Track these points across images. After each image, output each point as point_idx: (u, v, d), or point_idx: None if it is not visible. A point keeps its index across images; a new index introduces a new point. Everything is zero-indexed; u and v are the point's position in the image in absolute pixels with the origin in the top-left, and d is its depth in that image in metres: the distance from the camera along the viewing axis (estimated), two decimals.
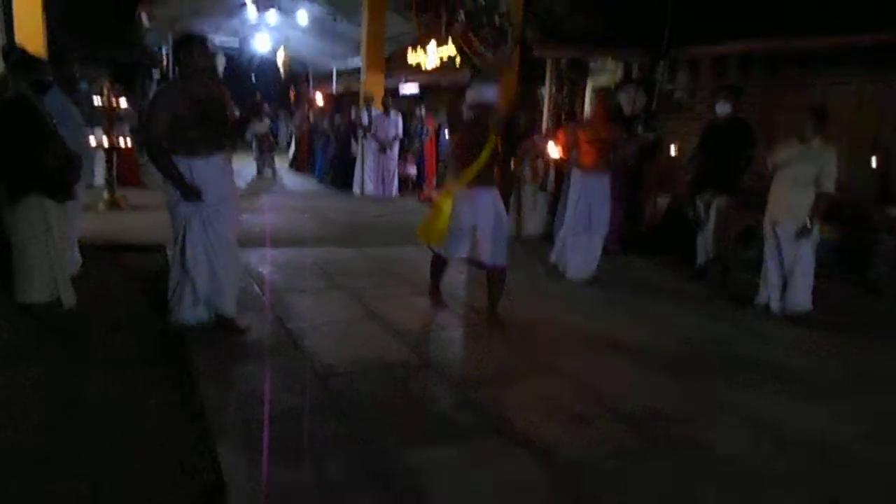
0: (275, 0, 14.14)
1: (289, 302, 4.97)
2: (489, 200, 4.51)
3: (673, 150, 8.18)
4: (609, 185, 5.98)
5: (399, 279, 5.92)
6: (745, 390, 3.79)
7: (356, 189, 11.67)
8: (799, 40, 7.35)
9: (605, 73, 11.40)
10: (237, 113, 4.32)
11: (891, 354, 4.58)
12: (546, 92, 11.24)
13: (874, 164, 6.82)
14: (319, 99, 17.51)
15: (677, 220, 7.24)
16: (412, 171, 12.23)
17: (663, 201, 8.01)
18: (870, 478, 2.93)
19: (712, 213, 6.20)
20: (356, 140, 11.81)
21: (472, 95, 4.57)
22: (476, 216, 4.47)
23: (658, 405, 3.49)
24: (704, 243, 6.31)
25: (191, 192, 3.85)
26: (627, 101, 8.62)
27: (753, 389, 3.81)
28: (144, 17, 11.70)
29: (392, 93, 13.13)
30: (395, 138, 11.44)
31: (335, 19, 15.67)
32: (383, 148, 11.37)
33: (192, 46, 3.88)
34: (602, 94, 6.31)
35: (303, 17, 15.28)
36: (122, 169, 9.30)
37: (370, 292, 5.35)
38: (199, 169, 3.88)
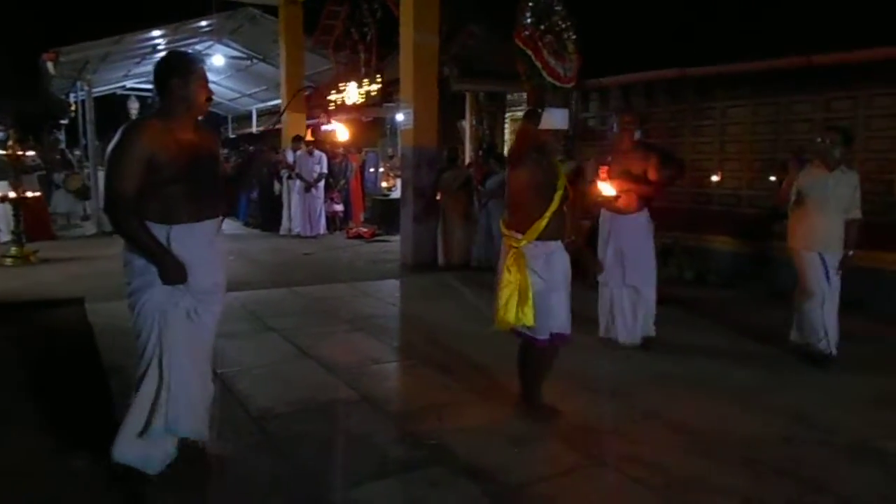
0: (188, 43, 13.98)
1: (218, 347, 4.79)
2: (564, 257, 3.60)
3: (591, 176, 8.53)
4: (645, 225, 5.02)
5: (331, 316, 5.88)
6: (673, 398, 3.94)
7: (283, 229, 11.55)
8: (696, 69, 7.90)
9: (522, 105, 11.83)
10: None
11: None
12: (467, 125, 11.55)
13: (772, 178, 7.33)
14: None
15: (595, 241, 7.51)
16: (339, 208, 12.22)
17: (586, 224, 8.31)
18: None
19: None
20: (279, 180, 11.73)
21: (545, 121, 3.59)
22: (553, 276, 3.52)
23: (591, 421, 3.59)
24: None
25: (174, 271, 2.70)
26: None
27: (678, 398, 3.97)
28: (49, 65, 11.31)
29: (315, 131, 13.16)
30: (319, 177, 11.42)
31: (251, 61, 15.63)
32: (308, 187, 11.31)
33: (187, 71, 2.79)
34: (628, 120, 5.15)
35: (218, 59, 15.18)
36: (31, 221, 8.87)
37: (302, 331, 5.28)
38: (183, 240, 2.74)
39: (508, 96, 11.91)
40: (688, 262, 7.49)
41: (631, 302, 4.95)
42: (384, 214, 11.60)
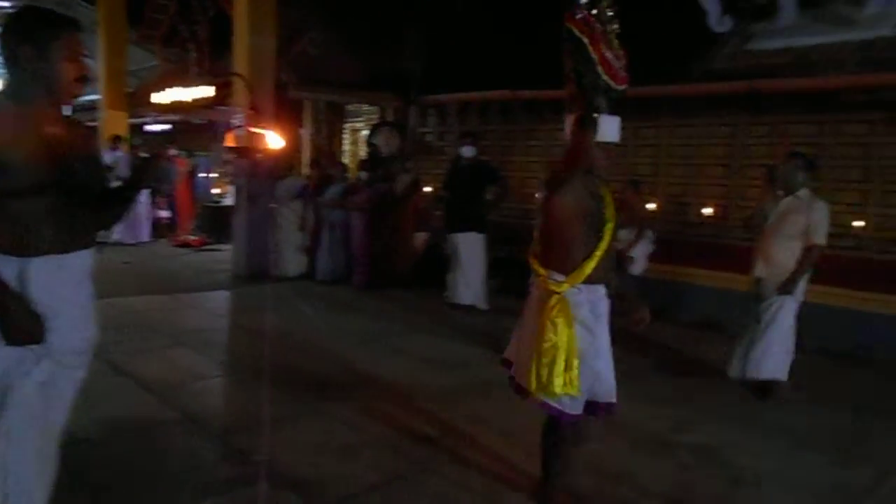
0: None
1: None
2: (607, 304, 2.83)
3: (428, 190, 8.77)
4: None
5: (151, 330, 5.47)
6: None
7: (99, 235, 10.53)
8: (526, 92, 8.41)
9: (361, 116, 11.87)
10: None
11: None
12: (306, 133, 11.36)
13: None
14: None
15: (435, 255, 7.71)
16: (165, 214, 11.44)
17: (421, 238, 8.50)
18: None
19: (461, 249, 6.63)
20: None
21: (600, 133, 2.70)
22: (600, 330, 2.80)
23: (426, 430, 3.67)
24: (454, 278, 6.71)
25: (26, 326, 1.93)
26: (382, 142, 9.07)
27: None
28: None
29: (138, 130, 12.22)
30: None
31: None
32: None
33: (48, 36, 1.97)
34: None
35: None
36: None
37: (117, 347, 4.85)
38: (44, 279, 1.96)
39: (348, 107, 11.90)
40: (518, 274, 7.88)
41: None
42: (216, 222, 11.01)
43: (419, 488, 3.03)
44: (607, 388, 2.78)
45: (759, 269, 4.47)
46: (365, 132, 10.74)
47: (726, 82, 6.45)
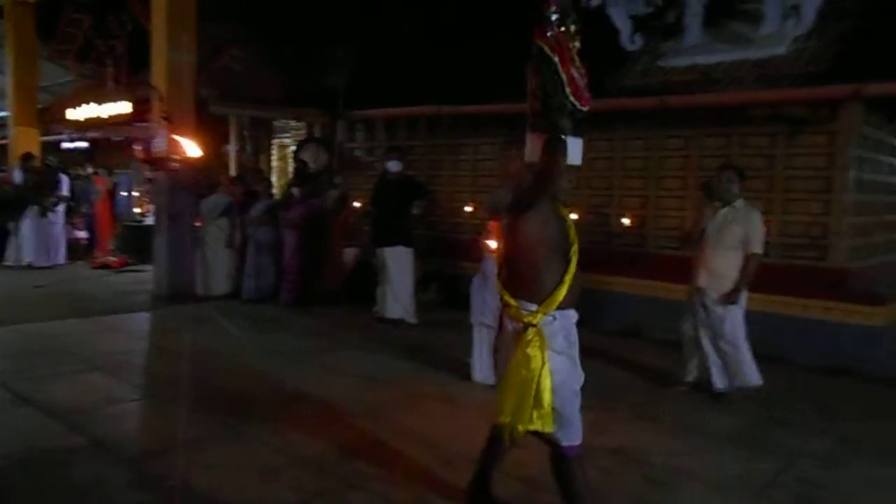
0: None
1: None
2: (575, 331, 2.76)
3: (357, 204, 8.74)
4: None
5: (64, 355, 5.23)
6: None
7: (9, 259, 9.98)
8: (451, 107, 8.51)
9: (289, 132, 11.76)
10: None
11: None
12: (232, 149, 11.16)
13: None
14: None
15: (365, 270, 7.68)
16: (82, 235, 10.95)
17: (351, 253, 8.45)
18: None
19: (389, 263, 6.63)
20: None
21: (569, 153, 2.66)
22: (576, 356, 2.76)
23: (352, 446, 3.64)
24: (383, 293, 6.70)
25: None
26: (310, 158, 9.01)
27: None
28: None
29: (54, 148, 11.71)
30: (59, 199, 10.10)
31: None
32: (44, 211, 9.95)
33: None
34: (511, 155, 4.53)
35: None
36: None
37: (23, 374, 4.63)
38: None
39: (275, 123, 11.76)
40: (445, 287, 7.93)
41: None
42: (137, 242, 10.60)
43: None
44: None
45: (702, 279, 4.60)
46: (293, 148, 10.64)
47: (639, 98, 6.72)
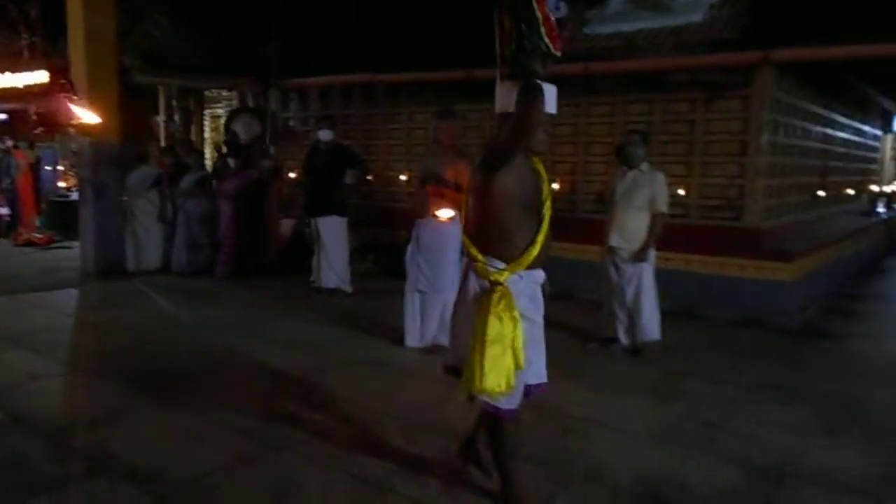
0: None
1: None
2: (540, 293, 2.71)
3: (292, 175, 8.65)
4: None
5: None
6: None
7: None
8: (385, 75, 8.47)
9: (222, 102, 11.47)
10: None
11: None
12: (161, 120, 10.84)
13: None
14: None
15: (301, 241, 7.63)
16: (3, 211, 10.52)
17: (287, 224, 8.39)
18: None
19: (323, 233, 6.64)
20: None
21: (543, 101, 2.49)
22: (540, 318, 2.71)
23: (281, 411, 3.70)
24: (318, 262, 6.71)
25: None
26: (242, 128, 8.83)
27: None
28: None
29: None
30: None
31: None
32: None
33: None
34: (444, 128, 4.86)
35: None
36: None
37: None
38: None
39: (207, 93, 11.44)
40: (382, 256, 7.97)
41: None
42: (64, 218, 10.25)
43: (265, 467, 3.06)
44: (537, 370, 2.65)
45: (614, 239, 4.85)
46: (226, 119, 10.39)
47: (565, 65, 6.81)
